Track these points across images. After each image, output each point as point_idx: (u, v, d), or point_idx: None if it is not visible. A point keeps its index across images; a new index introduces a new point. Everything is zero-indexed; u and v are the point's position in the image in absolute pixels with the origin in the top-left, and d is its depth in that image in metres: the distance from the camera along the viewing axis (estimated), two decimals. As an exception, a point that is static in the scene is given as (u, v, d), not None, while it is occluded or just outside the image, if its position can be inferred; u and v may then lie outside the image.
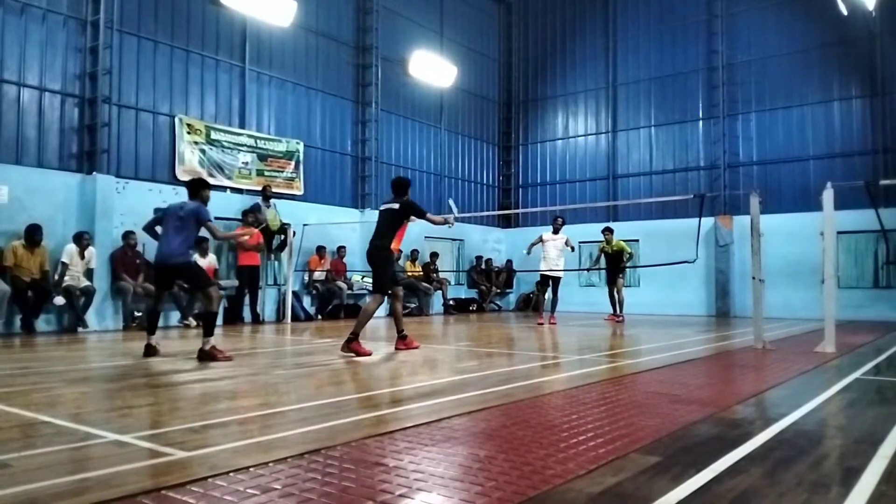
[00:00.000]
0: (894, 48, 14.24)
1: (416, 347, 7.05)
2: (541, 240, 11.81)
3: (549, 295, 11.76)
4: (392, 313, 7.36)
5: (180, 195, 11.17)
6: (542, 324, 11.42)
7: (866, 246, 14.07)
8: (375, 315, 13.91)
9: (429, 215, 7.15)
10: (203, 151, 11.85)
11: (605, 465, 2.62)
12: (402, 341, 7.05)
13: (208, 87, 12.16)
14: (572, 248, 12.19)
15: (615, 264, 12.74)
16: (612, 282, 12.89)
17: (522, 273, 17.89)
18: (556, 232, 11.78)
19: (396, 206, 7.01)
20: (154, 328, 6.55)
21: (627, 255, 12.96)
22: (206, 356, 6.02)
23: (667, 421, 3.49)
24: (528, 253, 11.94)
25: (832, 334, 7.04)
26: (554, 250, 11.66)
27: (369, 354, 6.43)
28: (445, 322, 12.89)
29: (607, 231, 12.88)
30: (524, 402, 4.01)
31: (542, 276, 11.83)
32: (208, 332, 6.16)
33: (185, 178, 11.47)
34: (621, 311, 12.80)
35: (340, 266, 13.60)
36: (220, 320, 11.13)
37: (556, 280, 11.75)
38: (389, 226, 6.99)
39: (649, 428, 3.30)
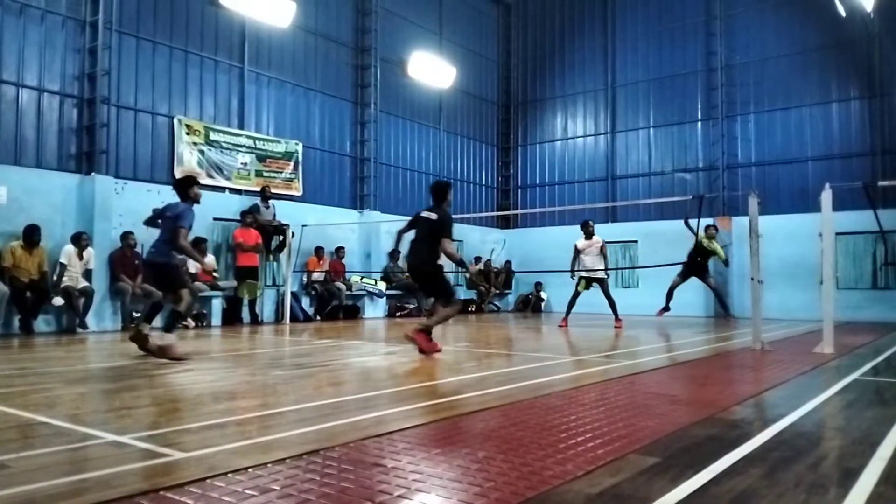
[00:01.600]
0: (892, 50, 14.26)
1: (436, 350, 6.47)
2: (576, 249, 11.33)
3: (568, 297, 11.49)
4: (434, 311, 7.17)
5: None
6: (563, 326, 11.19)
7: (865, 247, 14.08)
8: (374, 317, 14.06)
9: (446, 243, 6.51)
10: (202, 152, 11.85)
11: (603, 466, 2.61)
12: (425, 337, 6.46)
13: (207, 87, 12.17)
14: (606, 259, 11.46)
15: (701, 262, 11.43)
16: (684, 276, 11.62)
17: (521, 274, 17.90)
18: (588, 237, 11.25)
19: (434, 217, 6.62)
20: (151, 318, 6.50)
21: (723, 259, 11.56)
22: (160, 351, 5.99)
23: (665, 422, 3.49)
24: (574, 274, 11.33)
25: (830, 335, 7.04)
26: (589, 258, 11.18)
27: (438, 351, 6.47)
28: (444, 323, 12.88)
29: (713, 228, 11.76)
30: (523, 403, 4.01)
31: (581, 278, 11.28)
32: (168, 329, 6.15)
33: (183, 178, 11.51)
34: (726, 308, 12.10)
35: (339, 267, 13.60)
36: (218, 321, 11.15)
37: (600, 281, 11.21)
38: (430, 239, 6.58)
39: (648, 429, 3.30)
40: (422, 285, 7.20)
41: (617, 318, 11.16)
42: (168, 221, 6.31)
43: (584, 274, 11.21)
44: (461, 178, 18.23)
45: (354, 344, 8.24)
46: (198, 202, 6.54)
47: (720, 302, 12.03)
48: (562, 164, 18.76)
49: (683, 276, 11.67)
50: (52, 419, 3.45)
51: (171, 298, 6.37)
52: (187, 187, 6.47)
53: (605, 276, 11.37)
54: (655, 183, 17.01)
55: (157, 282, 6.88)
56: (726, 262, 11.59)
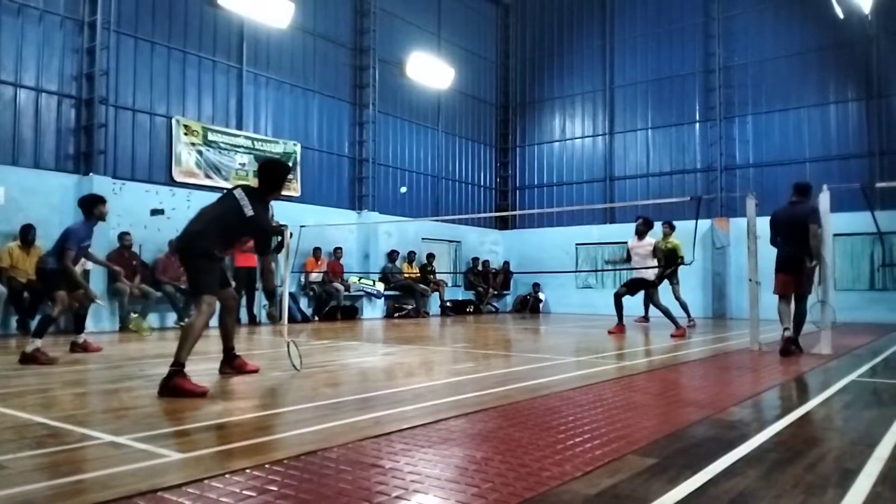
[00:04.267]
0: (890, 51, 14.29)
1: (201, 392, 4.20)
2: (627, 250, 10.01)
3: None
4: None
5: (177, 196, 11.20)
6: (612, 332, 9.76)
7: (862, 248, 14.10)
8: (372, 317, 14.04)
9: (268, 262, 4.87)
10: (200, 153, 11.84)
11: (601, 467, 2.62)
12: (182, 379, 4.26)
13: (205, 88, 12.16)
14: (660, 261, 9.87)
15: (668, 265, 10.81)
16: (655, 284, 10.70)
17: (519, 275, 17.90)
18: (640, 236, 9.81)
19: (248, 213, 4.67)
20: (41, 332, 6.18)
21: (679, 258, 11.13)
22: (29, 358, 5.81)
23: (663, 422, 3.49)
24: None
25: (828, 336, 7.05)
26: (636, 258, 9.81)
27: (204, 394, 4.19)
28: (442, 324, 12.89)
29: (667, 225, 11.38)
30: (521, 404, 4.01)
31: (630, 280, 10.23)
32: (37, 334, 6.06)
33: (181, 179, 11.51)
34: (688, 315, 11.64)
35: (337, 267, 13.59)
36: (216, 321, 11.10)
37: (643, 283, 9.81)
38: (223, 223, 4.69)
39: (646, 429, 3.30)
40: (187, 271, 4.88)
41: (677, 326, 9.49)
42: (61, 237, 6.55)
43: (633, 275, 9.99)
44: (459, 179, 18.22)
45: (352, 345, 8.23)
46: (102, 220, 6.72)
47: (667, 316, 10.62)
48: (560, 165, 18.76)
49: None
50: (50, 420, 3.45)
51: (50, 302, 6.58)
52: (92, 207, 6.57)
53: (652, 281, 9.78)
54: (654, 184, 17.02)
55: (44, 286, 6.99)
56: (681, 261, 10.96)
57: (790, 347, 6.84)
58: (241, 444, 2.98)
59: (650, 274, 9.69)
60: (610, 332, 9.75)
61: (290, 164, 13.42)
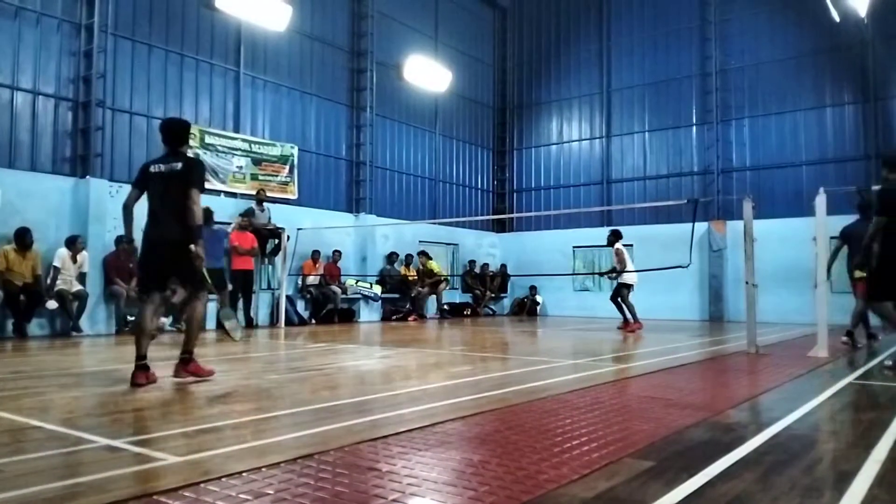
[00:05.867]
0: (886, 54, 14.34)
1: (207, 374, 5.05)
2: None
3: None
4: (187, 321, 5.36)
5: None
6: (620, 328, 11.51)
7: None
8: (370, 320, 14.03)
9: (196, 195, 4.82)
10: (197, 155, 11.81)
11: (598, 470, 2.62)
12: (195, 365, 5.03)
13: (203, 91, 12.15)
14: (615, 269, 11.68)
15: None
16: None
17: (517, 277, 17.90)
18: (609, 245, 11.81)
19: (179, 166, 4.92)
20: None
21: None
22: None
23: (660, 425, 3.49)
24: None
25: (825, 339, 7.06)
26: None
27: (211, 373, 5.06)
28: (440, 326, 12.88)
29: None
30: (518, 407, 4.00)
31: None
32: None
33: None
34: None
35: (335, 270, 13.58)
36: (213, 324, 11.10)
37: (618, 286, 11.59)
38: (180, 197, 4.82)
39: (643, 432, 3.30)
40: (173, 266, 4.96)
41: (626, 322, 11.42)
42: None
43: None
44: (457, 182, 18.24)
45: (349, 348, 8.22)
46: None
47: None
48: (557, 168, 18.79)
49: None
50: (46, 423, 3.44)
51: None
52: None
53: (624, 283, 11.54)
54: (651, 187, 17.05)
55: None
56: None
57: (846, 340, 8.11)
58: (237, 448, 2.97)
59: (624, 278, 11.46)
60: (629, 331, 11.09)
61: (288, 166, 13.45)
